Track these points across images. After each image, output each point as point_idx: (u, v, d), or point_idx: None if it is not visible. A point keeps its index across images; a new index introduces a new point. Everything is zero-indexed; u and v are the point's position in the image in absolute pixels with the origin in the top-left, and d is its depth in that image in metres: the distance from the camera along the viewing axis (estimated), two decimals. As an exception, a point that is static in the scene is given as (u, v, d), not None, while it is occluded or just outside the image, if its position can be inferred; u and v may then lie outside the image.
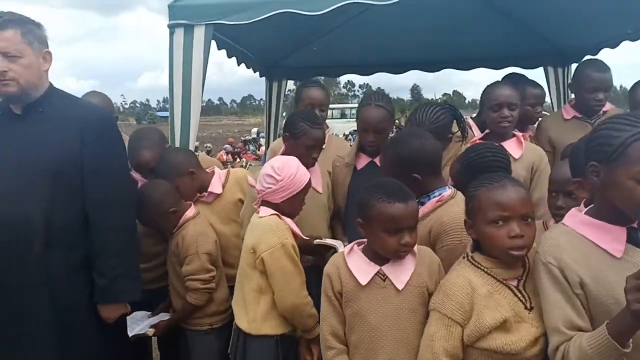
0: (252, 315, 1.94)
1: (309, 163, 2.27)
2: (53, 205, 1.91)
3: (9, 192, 1.89)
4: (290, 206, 1.99)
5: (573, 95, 3.00)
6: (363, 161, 2.42)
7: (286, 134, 2.37)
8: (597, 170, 1.33)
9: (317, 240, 2.11)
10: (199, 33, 2.83)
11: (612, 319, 1.24)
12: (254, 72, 5.24)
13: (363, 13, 4.01)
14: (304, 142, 2.25)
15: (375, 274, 1.62)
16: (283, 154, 2.31)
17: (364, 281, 1.61)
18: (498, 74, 4.43)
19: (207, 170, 2.58)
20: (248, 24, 2.78)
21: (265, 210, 1.97)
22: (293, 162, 2.02)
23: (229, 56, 4.01)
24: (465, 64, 5.14)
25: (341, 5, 2.66)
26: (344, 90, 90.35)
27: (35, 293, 1.89)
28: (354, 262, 1.64)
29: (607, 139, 1.30)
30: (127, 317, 2.34)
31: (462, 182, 1.80)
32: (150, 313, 2.49)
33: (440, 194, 1.83)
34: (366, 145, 2.36)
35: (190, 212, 2.36)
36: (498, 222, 1.42)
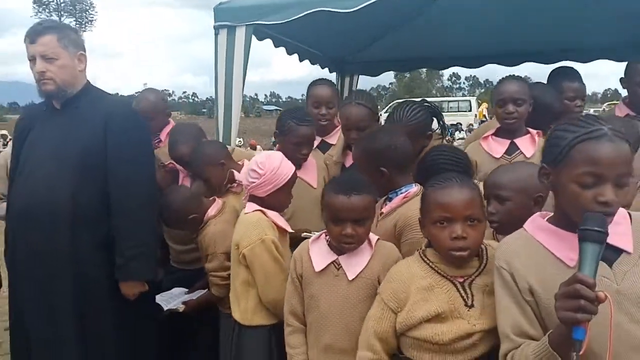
0: (244, 307, 2.01)
1: (298, 159, 2.34)
2: (80, 189, 2.14)
3: (43, 176, 2.16)
4: (276, 200, 2.03)
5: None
6: (351, 159, 2.44)
7: (276, 131, 2.46)
8: (547, 173, 1.27)
9: (305, 234, 2.13)
10: (240, 33, 2.98)
11: (554, 329, 1.15)
12: (322, 68, 5.36)
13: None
14: (291, 139, 2.33)
15: (332, 262, 1.71)
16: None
17: (318, 267, 1.72)
18: (619, 67, 3.91)
19: (238, 162, 2.71)
20: (290, 22, 2.89)
21: (250, 206, 2.03)
22: (276, 156, 2.07)
23: (289, 53, 4.15)
24: (584, 56, 4.47)
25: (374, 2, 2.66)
26: (448, 83, 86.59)
27: (61, 265, 2.13)
28: (315, 249, 1.75)
29: (557, 140, 1.23)
30: (165, 293, 2.57)
31: (419, 182, 1.86)
32: (187, 290, 2.67)
33: (407, 191, 1.86)
34: (350, 142, 2.41)
35: (212, 210, 2.44)
36: (442, 222, 1.44)
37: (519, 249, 1.31)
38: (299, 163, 2.35)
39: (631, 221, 1.28)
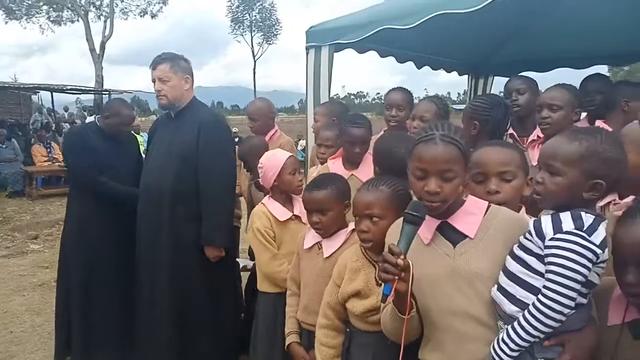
0: (259, 276, 2.54)
1: (354, 158, 2.66)
2: (179, 177, 2.91)
3: (157, 167, 3.00)
4: (284, 185, 2.47)
5: None
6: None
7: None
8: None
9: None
10: (325, 52, 3.50)
11: None
12: (447, 72, 5.52)
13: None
14: (345, 139, 2.64)
15: (316, 243, 2.12)
16: None
17: (306, 246, 2.14)
18: None
19: None
20: (368, 38, 3.30)
21: (264, 199, 2.55)
22: (273, 151, 2.56)
23: (401, 61, 4.51)
24: None
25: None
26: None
27: (164, 230, 2.93)
28: (309, 232, 2.16)
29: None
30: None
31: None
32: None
33: None
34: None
35: None
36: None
37: (397, 230, 1.50)
38: (355, 162, 2.67)
39: (485, 213, 1.50)
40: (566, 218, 1.27)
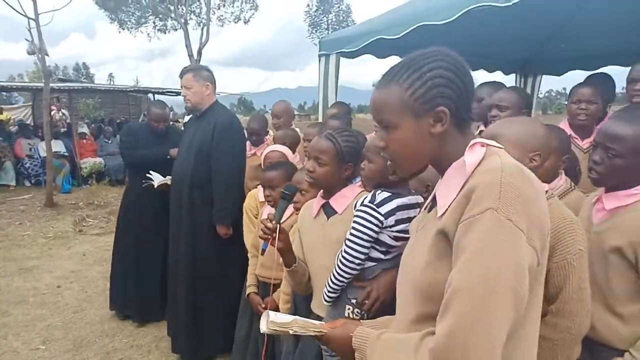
0: None
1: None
2: (196, 167, 3.54)
3: (182, 159, 3.65)
4: None
5: None
6: None
7: None
8: None
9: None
10: (332, 60, 3.95)
11: None
12: (489, 72, 5.63)
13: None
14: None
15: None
16: None
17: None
18: None
19: None
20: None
21: None
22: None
23: None
24: None
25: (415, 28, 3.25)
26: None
27: (184, 212, 3.58)
28: None
29: None
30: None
31: None
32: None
33: None
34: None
35: None
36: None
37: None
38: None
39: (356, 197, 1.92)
40: (368, 195, 1.67)
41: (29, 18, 9.31)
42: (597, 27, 4.20)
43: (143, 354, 3.82)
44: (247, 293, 2.73)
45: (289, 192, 1.85)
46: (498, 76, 5.87)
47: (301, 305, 2.19)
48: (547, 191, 1.63)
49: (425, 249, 1.14)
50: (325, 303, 1.84)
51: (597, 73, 3.53)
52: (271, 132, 4.22)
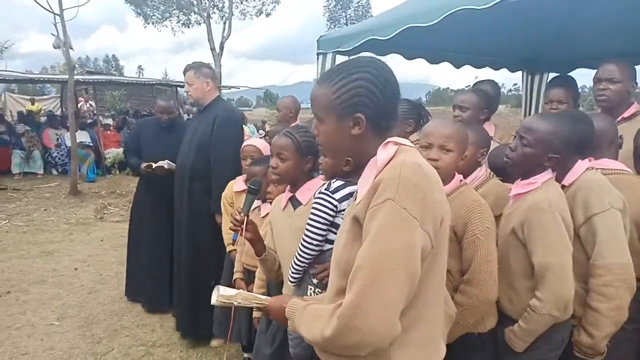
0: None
1: None
2: (196, 159, 3.77)
3: (184, 151, 3.89)
4: None
5: None
6: None
7: None
8: None
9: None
10: (329, 58, 4.12)
11: None
12: (494, 69, 5.68)
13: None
14: None
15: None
16: None
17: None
18: None
19: None
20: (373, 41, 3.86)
21: None
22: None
23: (434, 62, 4.90)
24: None
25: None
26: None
27: (185, 201, 3.83)
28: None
29: None
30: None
31: None
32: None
33: None
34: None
35: None
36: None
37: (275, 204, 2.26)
38: None
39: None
40: (325, 184, 1.87)
41: (54, 13, 9.74)
42: (602, 26, 4.14)
43: (147, 332, 4.09)
44: (233, 278, 2.95)
45: (255, 187, 2.05)
46: (504, 74, 5.94)
47: (273, 289, 2.40)
48: (461, 180, 1.97)
49: (345, 232, 1.34)
50: (290, 284, 2.04)
51: (560, 76, 3.81)
52: (267, 126, 4.43)
